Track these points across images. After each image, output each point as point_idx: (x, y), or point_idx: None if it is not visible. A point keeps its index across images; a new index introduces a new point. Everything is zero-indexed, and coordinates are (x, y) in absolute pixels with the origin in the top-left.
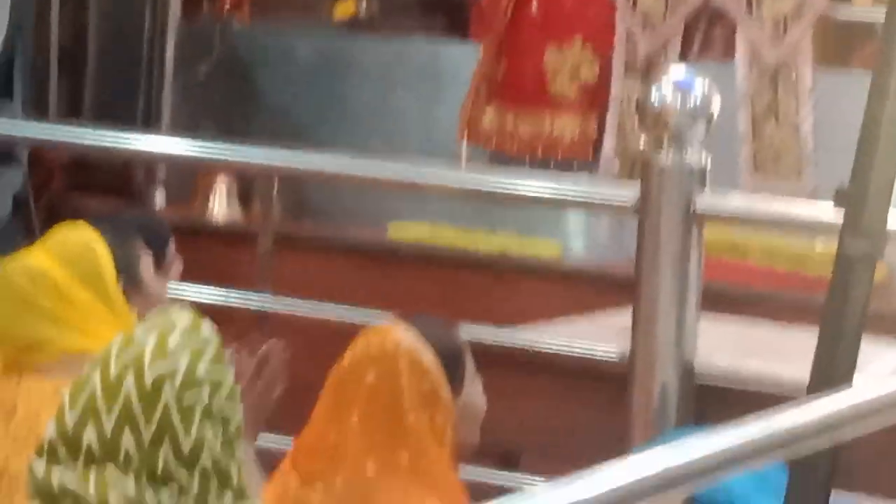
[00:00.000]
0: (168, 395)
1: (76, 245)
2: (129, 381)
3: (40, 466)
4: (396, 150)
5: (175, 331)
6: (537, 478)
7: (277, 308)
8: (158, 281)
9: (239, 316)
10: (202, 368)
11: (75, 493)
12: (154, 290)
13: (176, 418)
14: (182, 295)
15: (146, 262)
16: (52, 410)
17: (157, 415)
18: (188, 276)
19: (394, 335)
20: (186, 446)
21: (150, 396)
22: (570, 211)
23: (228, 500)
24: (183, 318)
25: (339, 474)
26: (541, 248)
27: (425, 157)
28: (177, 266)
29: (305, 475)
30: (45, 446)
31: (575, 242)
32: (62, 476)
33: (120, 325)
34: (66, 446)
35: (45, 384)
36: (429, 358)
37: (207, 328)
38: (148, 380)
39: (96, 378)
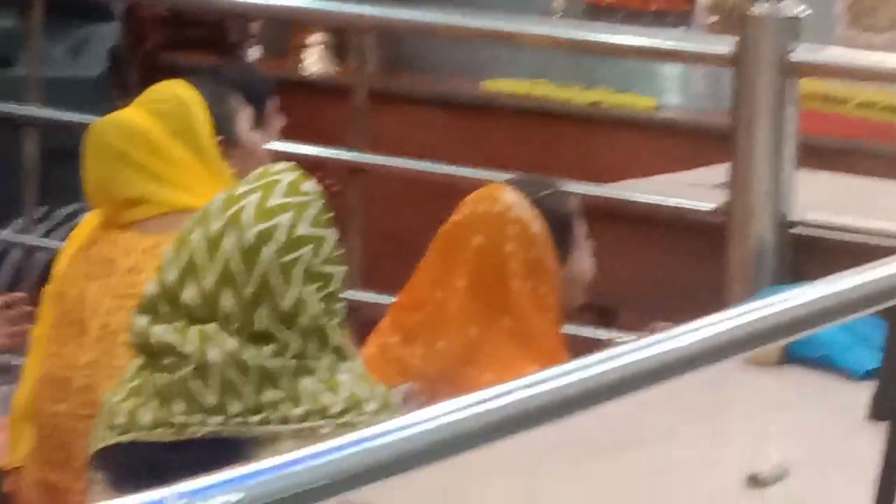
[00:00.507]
0: (268, 254)
1: (171, 101)
2: (230, 239)
3: (141, 321)
4: (492, 4)
5: (278, 189)
6: (634, 334)
7: (372, 163)
8: (257, 137)
9: (333, 172)
10: (303, 228)
11: (174, 347)
12: (252, 147)
13: (276, 278)
14: (281, 151)
15: (243, 118)
16: (150, 266)
17: (257, 274)
18: (282, 131)
19: (504, 199)
20: (286, 306)
21: (249, 255)
22: (665, 64)
23: (328, 358)
24: (286, 175)
25: (441, 335)
26: (636, 101)
27: (520, 11)
28: (277, 122)
29: (406, 334)
30: (146, 302)
31: (670, 96)
32: (162, 331)
33: (217, 182)
34: (167, 302)
35: (144, 240)
36: (537, 225)
37: (311, 186)
38: (248, 238)
39: (197, 235)
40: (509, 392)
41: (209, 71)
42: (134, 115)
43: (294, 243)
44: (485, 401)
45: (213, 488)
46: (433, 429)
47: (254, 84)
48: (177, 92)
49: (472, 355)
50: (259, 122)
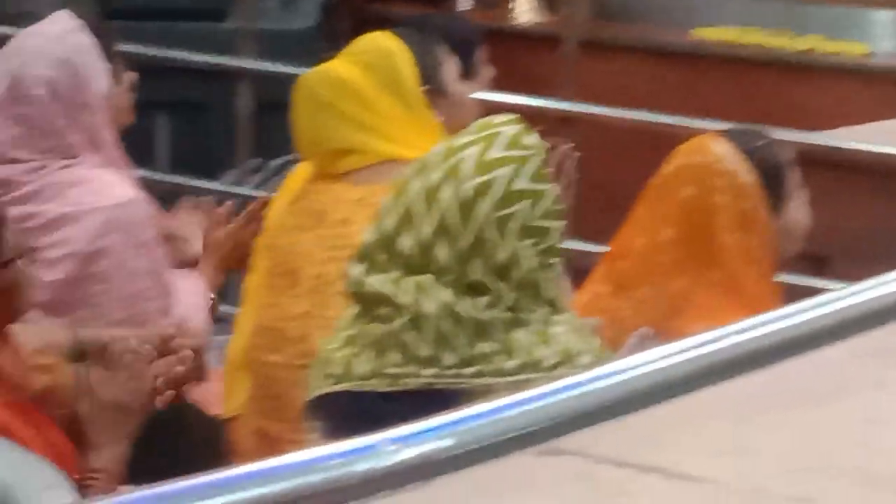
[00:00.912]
0: (485, 207)
1: (377, 52)
2: (448, 191)
3: (357, 271)
4: None
5: (498, 142)
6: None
7: (582, 112)
8: (464, 87)
9: (544, 120)
10: (522, 182)
11: (389, 297)
12: (460, 98)
13: (492, 231)
14: (489, 101)
15: (450, 69)
16: (361, 217)
17: (473, 227)
18: (492, 81)
19: (715, 150)
20: (501, 259)
21: (466, 208)
22: (879, 10)
23: (541, 311)
24: (508, 128)
25: (650, 286)
26: (848, 48)
27: None
28: (486, 72)
29: (616, 284)
30: (362, 251)
31: (883, 43)
32: (378, 281)
33: (424, 132)
34: (383, 252)
35: (354, 190)
36: (749, 177)
37: (532, 140)
38: (466, 191)
39: (415, 186)
40: (720, 338)
41: (417, 21)
42: (340, 66)
43: (512, 197)
44: (695, 346)
45: (424, 434)
46: (643, 374)
47: (461, 34)
48: (382, 43)
49: (681, 307)
50: (466, 72)
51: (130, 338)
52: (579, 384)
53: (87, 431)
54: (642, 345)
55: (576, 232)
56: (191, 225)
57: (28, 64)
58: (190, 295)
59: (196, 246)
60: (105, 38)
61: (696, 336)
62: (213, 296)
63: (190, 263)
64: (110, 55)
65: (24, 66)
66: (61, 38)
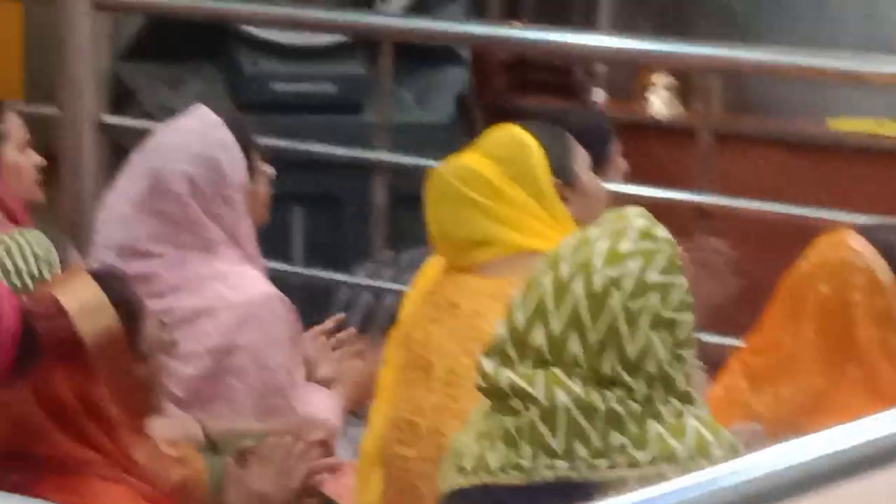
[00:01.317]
0: (617, 301)
1: (510, 145)
2: (579, 284)
3: (489, 364)
4: (835, 44)
5: (628, 234)
6: None
7: (717, 204)
8: (596, 180)
9: (680, 214)
10: (653, 275)
11: (524, 391)
12: (592, 190)
13: (623, 325)
14: (622, 194)
15: (582, 162)
16: (494, 310)
17: (604, 320)
18: (627, 173)
19: (850, 245)
20: (633, 352)
21: (598, 301)
22: None
23: (674, 403)
24: (637, 221)
25: (788, 383)
26: None
27: (864, 51)
28: (618, 165)
29: (753, 380)
30: (495, 345)
31: None
32: (510, 374)
33: (555, 225)
34: (515, 346)
35: (486, 283)
36: (886, 274)
37: (662, 232)
38: (597, 284)
39: (547, 279)
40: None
41: (551, 114)
42: (473, 158)
43: (643, 290)
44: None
45: None
46: (781, 469)
47: (595, 127)
48: (515, 135)
49: (819, 404)
50: (599, 165)
51: (284, 433)
52: (718, 478)
53: None
54: (752, 441)
55: (711, 324)
56: (323, 349)
57: (169, 160)
58: (323, 395)
59: (325, 367)
60: (243, 133)
61: (832, 429)
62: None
63: (320, 385)
64: (249, 150)
65: (164, 161)
66: (202, 133)
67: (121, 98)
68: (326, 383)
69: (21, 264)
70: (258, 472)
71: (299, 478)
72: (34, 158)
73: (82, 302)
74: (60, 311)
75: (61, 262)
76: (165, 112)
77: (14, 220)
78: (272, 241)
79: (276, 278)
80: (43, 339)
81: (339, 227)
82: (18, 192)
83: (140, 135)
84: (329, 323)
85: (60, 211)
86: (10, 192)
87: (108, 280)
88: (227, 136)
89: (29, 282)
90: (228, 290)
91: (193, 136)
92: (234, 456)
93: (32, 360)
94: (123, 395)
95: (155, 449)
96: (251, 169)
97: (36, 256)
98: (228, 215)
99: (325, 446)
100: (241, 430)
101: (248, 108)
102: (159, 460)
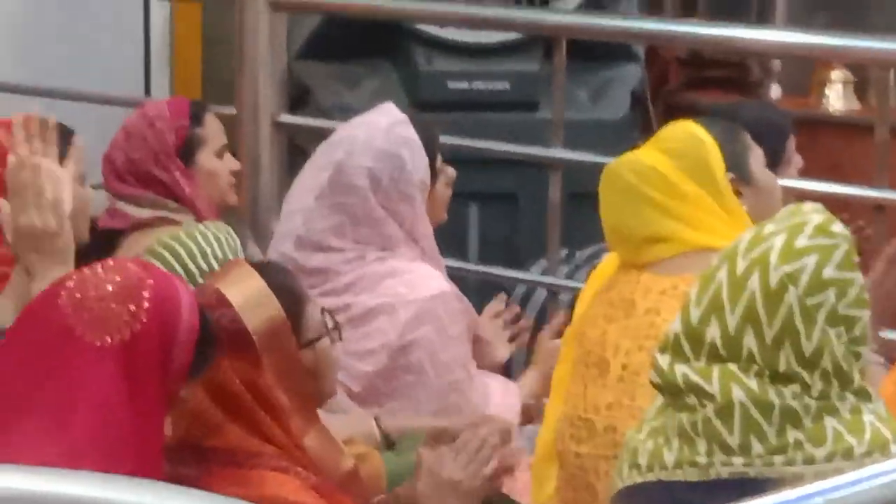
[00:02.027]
0: (793, 297)
1: (683, 141)
2: (755, 279)
3: (664, 361)
4: None
5: (805, 230)
6: None
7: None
8: (770, 176)
9: (856, 209)
10: (829, 271)
11: (700, 387)
12: (767, 186)
13: (799, 321)
14: (798, 189)
15: (758, 158)
16: (668, 307)
17: (780, 316)
18: (804, 169)
19: None
20: (808, 349)
21: (774, 297)
22: None
23: (850, 399)
24: (814, 217)
25: None
26: None
27: None
28: (795, 161)
29: None
30: (669, 341)
31: None
32: (685, 371)
33: (731, 221)
34: (690, 341)
35: (663, 280)
36: None
37: (839, 228)
38: (773, 280)
39: (722, 275)
40: None
41: (726, 110)
42: (647, 154)
43: (819, 286)
44: None
45: None
46: None
47: (770, 122)
48: (690, 131)
49: None
50: (775, 161)
51: (479, 423)
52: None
53: None
54: None
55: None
56: (496, 331)
57: (353, 154)
58: (499, 391)
59: (501, 351)
60: (428, 133)
61: None
62: (532, 403)
63: (494, 367)
64: (431, 150)
65: (349, 155)
66: (388, 130)
67: (297, 97)
68: (500, 367)
69: (202, 263)
70: (451, 460)
71: (491, 468)
72: (230, 163)
73: (246, 293)
74: (225, 304)
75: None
76: (341, 111)
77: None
78: (448, 239)
79: (452, 276)
80: (215, 335)
81: (514, 225)
82: (212, 196)
83: (316, 133)
84: (502, 304)
85: (239, 209)
86: (204, 196)
87: (269, 270)
88: (411, 134)
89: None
90: (404, 287)
91: (379, 131)
92: (424, 444)
93: (207, 356)
94: (292, 383)
95: (326, 437)
96: (433, 169)
97: (216, 256)
98: (407, 213)
99: (506, 442)
100: (418, 426)
101: (424, 107)
102: (330, 449)
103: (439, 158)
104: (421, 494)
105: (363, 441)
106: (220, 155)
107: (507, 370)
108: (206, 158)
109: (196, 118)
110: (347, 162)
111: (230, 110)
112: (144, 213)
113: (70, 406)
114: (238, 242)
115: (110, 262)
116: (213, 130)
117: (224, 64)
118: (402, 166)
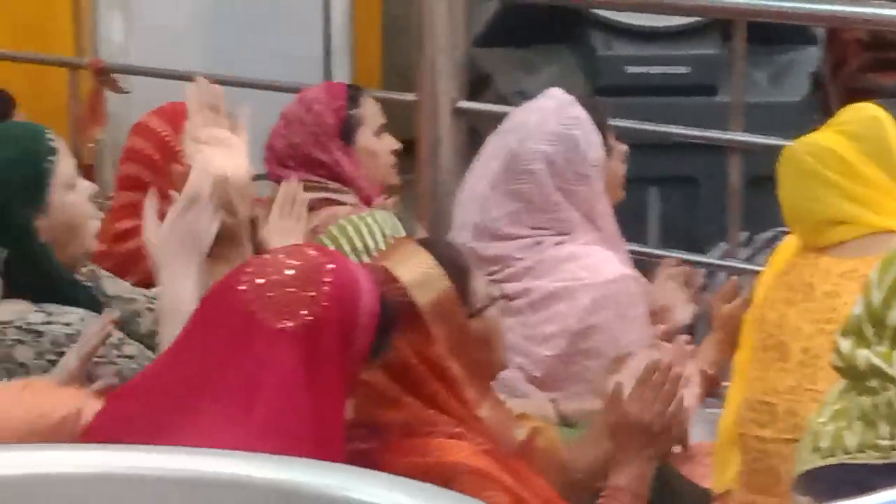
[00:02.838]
0: None
1: (864, 122)
2: None
3: (846, 344)
4: None
5: None
6: None
7: None
8: None
9: None
10: None
11: (882, 370)
12: None
13: None
14: None
15: None
16: (849, 290)
17: None
18: None
19: None
20: None
21: None
22: None
23: None
24: None
25: None
26: None
27: None
28: None
29: None
30: (851, 325)
31: None
32: (867, 354)
33: None
34: (872, 325)
35: (841, 263)
36: None
37: None
38: None
39: None
40: None
41: None
42: (826, 136)
43: None
44: None
45: None
46: None
47: None
48: (871, 114)
49: None
50: None
51: (660, 357)
52: None
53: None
54: None
55: None
56: (674, 293)
57: (526, 139)
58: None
59: (682, 313)
60: (596, 111)
61: None
62: (712, 371)
63: (678, 331)
64: (602, 128)
65: (521, 141)
66: (557, 112)
67: (476, 83)
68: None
69: (370, 243)
70: (637, 397)
71: (676, 406)
72: (390, 143)
73: (413, 269)
74: (395, 281)
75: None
76: (520, 97)
77: (368, 202)
78: (628, 223)
79: (631, 260)
80: (394, 318)
81: (694, 209)
82: (375, 177)
83: (495, 119)
84: (673, 266)
85: (419, 194)
86: (366, 176)
87: (434, 245)
88: (581, 114)
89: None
90: (583, 271)
91: (549, 114)
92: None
93: (387, 339)
94: (464, 353)
95: (500, 408)
96: (606, 147)
97: (384, 235)
98: (584, 193)
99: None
100: (596, 409)
101: (603, 92)
102: (504, 420)
103: (611, 135)
104: (612, 432)
105: (538, 418)
106: (378, 134)
107: (692, 332)
108: (365, 138)
109: (353, 100)
110: (521, 148)
111: (410, 97)
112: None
113: (252, 389)
114: (399, 224)
115: (290, 246)
116: (370, 111)
117: (404, 51)
118: (576, 146)
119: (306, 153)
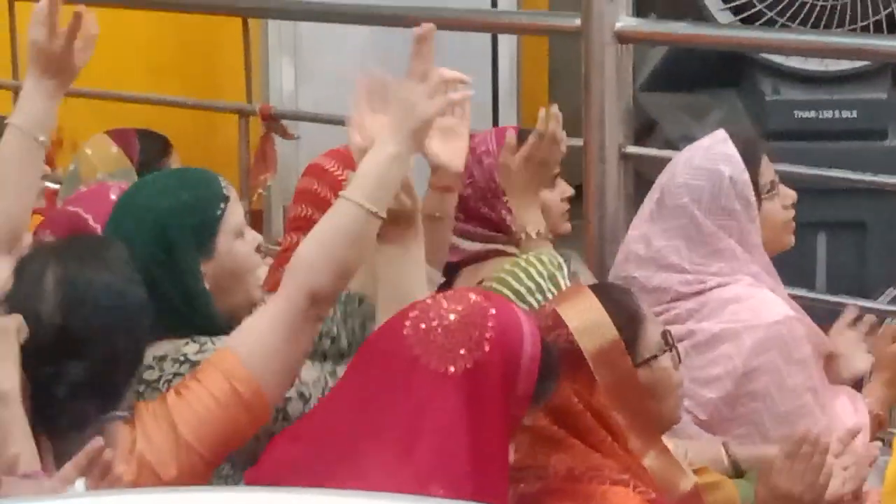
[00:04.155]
0: None
1: None
2: None
3: None
4: None
5: None
6: None
7: None
8: None
9: None
10: None
11: None
12: None
13: None
14: None
15: None
16: None
17: None
18: None
19: None
20: None
21: None
22: None
23: None
24: None
25: None
26: None
27: None
28: None
29: None
30: None
31: None
32: None
33: None
34: None
35: None
36: None
37: None
38: None
39: None
40: None
41: None
42: None
43: None
44: None
45: None
46: None
47: None
48: None
49: None
50: None
51: (811, 431)
52: None
53: None
54: None
55: None
56: (850, 342)
57: (675, 174)
58: (848, 413)
59: (856, 364)
60: (749, 149)
61: None
62: (880, 412)
63: (849, 381)
64: (754, 165)
65: (671, 176)
66: (707, 148)
67: (643, 128)
68: (855, 379)
69: (542, 284)
70: (787, 469)
71: (827, 478)
72: (562, 190)
73: (582, 314)
74: (562, 325)
75: (572, 279)
76: (687, 142)
77: None
78: (796, 268)
79: (797, 304)
80: (557, 363)
81: (862, 253)
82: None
83: (662, 164)
84: (853, 315)
85: (586, 238)
86: None
87: (607, 290)
88: (730, 150)
89: (542, 300)
90: (748, 313)
91: (698, 150)
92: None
93: (550, 384)
94: (627, 402)
95: (666, 457)
96: (756, 184)
97: (553, 277)
98: (734, 228)
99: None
100: (766, 452)
101: (771, 136)
102: (670, 470)
103: (769, 175)
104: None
105: (713, 468)
106: (552, 183)
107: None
108: None
109: (521, 146)
110: (670, 183)
111: (577, 141)
112: (476, 247)
113: (414, 432)
114: (566, 268)
115: (452, 292)
116: None
117: (571, 96)
118: (721, 181)
119: (474, 207)
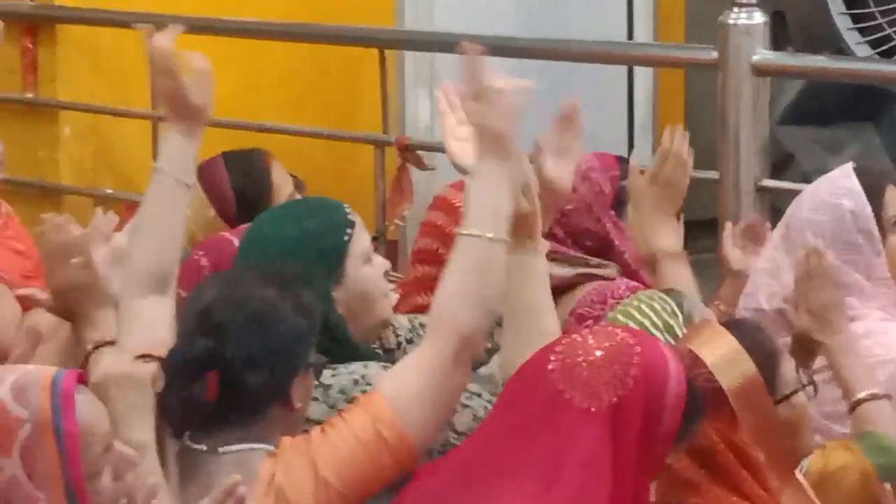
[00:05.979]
0: None
1: None
2: None
3: None
4: None
5: None
6: None
7: None
8: None
9: None
10: None
11: None
12: None
13: None
14: None
15: None
16: None
17: None
18: None
19: None
20: None
21: None
22: None
23: None
24: None
25: None
26: None
27: None
28: None
29: None
30: None
31: None
32: None
33: None
34: None
35: None
36: None
37: None
38: None
39: None
40: None
41: None
42: None
43: None
44: None
45: None
46: None
47: None
48: None
49: None
50: None
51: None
52: None
53: None
54: None
55: None
56: None
57: (798, 209)
58: None
59: None
60: (874, 183)
61: None
62: None
63: None
64: (876, 200)
65: (795, 210)
66: (831, 182)
67: (779, 161)
68: None
69: (669, 321)
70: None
71: None
72: None
73: (718, 352)
74: (699, 364)
75: (691, 315)
76: (813, 175)
77: (631, 277)
78: None
79: None
80: (702, 402)
81: None
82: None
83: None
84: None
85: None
86: (631, 246)
87: (740, 327)
88: (853, 185)
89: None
90: (879, 348)
91: (823, 184)
92: None
93: (694, 424)
94: (768, 440)
95: (802, 496)
96: (884, 219)
97: (679, 314)
98: (859, 262)
99: None
100: None
101: None
102: None
103: (892, 209)
104: None
105: None
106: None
107: None
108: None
109: (624, 171)
110: (793, 216)
111: (713, 174)
112: (566, 271)
113: (555, 468)
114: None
115: (598, 327)
116: None
117: (707, 128)
118: (842, 216)
119: (577, 222)
